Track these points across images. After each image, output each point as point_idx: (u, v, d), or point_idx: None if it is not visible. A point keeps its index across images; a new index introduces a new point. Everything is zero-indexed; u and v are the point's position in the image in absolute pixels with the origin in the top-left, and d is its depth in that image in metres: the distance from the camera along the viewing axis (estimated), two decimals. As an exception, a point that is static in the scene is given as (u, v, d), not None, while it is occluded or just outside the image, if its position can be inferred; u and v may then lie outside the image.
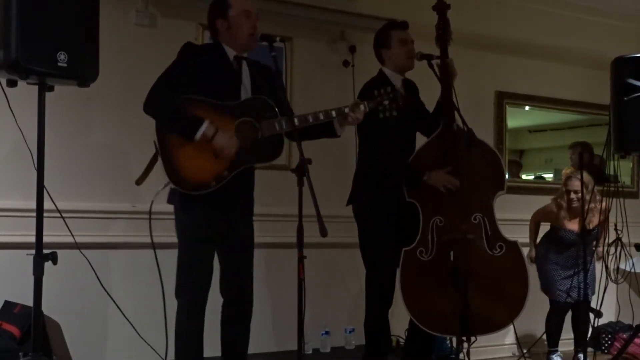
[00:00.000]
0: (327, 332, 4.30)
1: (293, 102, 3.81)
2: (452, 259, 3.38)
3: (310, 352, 4.21)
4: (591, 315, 4.41)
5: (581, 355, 4.38)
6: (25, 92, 2.77)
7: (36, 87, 2.70)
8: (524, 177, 6.45)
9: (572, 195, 4.49)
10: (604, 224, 4.49)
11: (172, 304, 2.94)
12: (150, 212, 2.84)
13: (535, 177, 6.72)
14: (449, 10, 3.71)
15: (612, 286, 4.59)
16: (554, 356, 4.68)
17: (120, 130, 3.89)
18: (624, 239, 4.24)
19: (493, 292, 3.47)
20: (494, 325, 3.54)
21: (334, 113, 2.97)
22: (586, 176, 4.43)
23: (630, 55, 3.54)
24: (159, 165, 2.81)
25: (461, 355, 3.45)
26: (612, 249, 4.43)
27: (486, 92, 5.17)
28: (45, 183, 2.72)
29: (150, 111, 2.83)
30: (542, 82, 5.38)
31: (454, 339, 3.57)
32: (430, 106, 3.75)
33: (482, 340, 3.66)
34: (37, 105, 2.70)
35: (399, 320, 3.81)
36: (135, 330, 3.34)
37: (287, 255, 3.40)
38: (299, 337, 2.70)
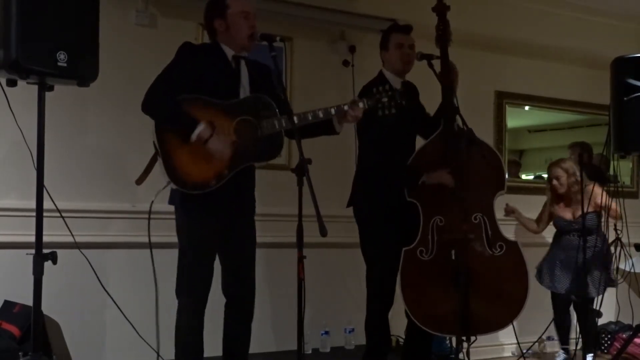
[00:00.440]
0: (326, 332, 4.30)
1: (293, 102, 3.82)
2: (452, 258, 3.37)
3: (310, 352, 4.21)
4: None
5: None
6: (25, 91, 2.77)
7: (36, 87, 2.69)
8: (523, 177, 6.45)
9: (554, 182, 4.62)
10: (601, 214, 4.49)
11: (167, 304, 2.94)
12: (149, 212, 2.84)
13: (535, 177, 6.72)
14: (449, 11, 3.72)
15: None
16: (558, 352, 4.70)
17: (120, 130, 3.89)
18: (624, 239, 4.23)
19: (493, 292, 3.47)
20: (494, 325, 3.55)
21: (333, 111, 2.97)
22: (569, 164, 4.63)
23: (630, 55, 3.53)
24: (158, 165, 2.82)
25: (461, 355, 3.45)
26: (612, 249, 4.44)
27: (486, 92, 5.17)
28: (45, 183, 2.72)
29: (148, 110, 2.83)
30: (542, 82, 5.38)
31: (454, 339, 3.57)
32: (430, 107, 3.75)
33: (482, 340, 3.67)
34: (37, 105, 2.70)
35: (399, 320, 3.81)
36: (135, 329, 3.34)
37: (287, 255, 3.40)
38: (298, 337, 2.70)
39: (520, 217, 4.74)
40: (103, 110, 3.88)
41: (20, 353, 2.79)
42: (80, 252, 3.04)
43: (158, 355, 3.29)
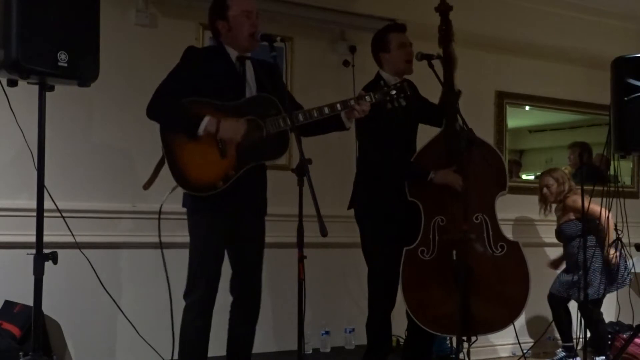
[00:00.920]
0: (327, 332, 4.30)
1: (293, 102, 3.81)
2: (454, 258, 3.37)
3: (310, 352, 4.21)
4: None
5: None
6: (26, 92, 2.77)
7: (37, 87, 2.70)
8: (524, 177, 6.45)
9: (545, 190, 4.69)
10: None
11: (169, 304, 2.94)
12: (159, 215, 2.84)
13: (536, 177, 6.71)
14: (452, 11, 3.71)
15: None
16: (557, 351, 4.71)
17: (120, 129, 3.88)
18: (624, 239, 4.23)
19: (494, 292, 3.47)
20: (495, 325, 3.55)
21: (339, 106, 2.98)
22: (560, 173, 4.71)
23: (630, 55, 3.53)
24: (166, 167, 2.82)
25: (461, 355, 3.45)
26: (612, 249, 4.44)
27: (486, 92, 5.17)
28: (46, 183, 2.72)
29: (154, 115, 2.85)
30: (542, 82, 5.38)
31: (454, 339, 3.57)
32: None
33: (482, 340, 3.67)
34: (37, 105, 2.70)
35: (399, 320, 3.81)
36: (136, 330, 3.34)
37: (287, 255, 3.40)
38: (299, 337, 2.70)
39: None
40: (103, 110, 3.87)
41: (20, 353, 2.79)
42: (81, 252, 3.04)
43: (160, 356, 3.28)
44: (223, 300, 3.04)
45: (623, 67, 3.51)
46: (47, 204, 2.74)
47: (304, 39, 4.47)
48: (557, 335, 4.81)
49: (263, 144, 2.89)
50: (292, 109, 2.90)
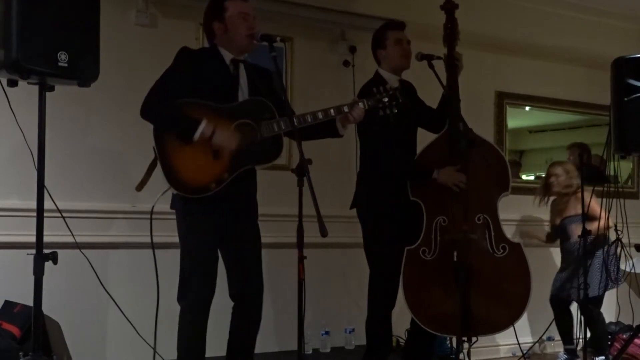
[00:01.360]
0: (327, 332, 4.30)
1: (293, 102, 3.81)
2: (455, 259, 3.37)
3: (310, 352, 4.21)
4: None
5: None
6: (26, 92, 2.77)
7: (37, 87, 2.69)
8: (524, 177, 6.45)
9: (552, 179, 4.64)
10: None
11: (168, 304, 2.94)
12: (151, 214, 2.84)
13: (536, 178, 6.72)
14: (457, 9, 3.70)
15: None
16: (560, 353, 4.71)
17: (120, 130, 3.88)
18: (624, 240, 4.23)
19: (495, 293, 3.47)
20: (496, 326, 3.55)
21: (332, 112, 2.97)
22: (571, 166, 4.67)
23: (631, 56, 3.53)
24: (158, 168, 2.81)
25: (461, 356, 3.45)
26: (612, 250, 4.44)
27: (486, 92, 5.17)
28: (46, 183, 2.72)
29: (147, 116, 2.84)
30: (542, 82, 5.38)
31: (454, 339, 3.57)
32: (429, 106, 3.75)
33: (482, 340, 3.66)
34: (37, 105, 2.70)
35: (399, 320, 3.81)
36: (136, 330, 3.33)
37: (287, 255, 3.40)
38: (299, 337, 2.70)
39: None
40: (103, 110, 3.88)
41: (20, 353, 2.78)
42: (81, 252, 3.04)
43: (160, 356, 3.28)
44: (225, 301, 3.04)
45: (623, 68, 3.51)
46: (47, 204, 2.73)
47: (304, 39, 4.47)
48: (558, 337, 4.81)
49: (257, 147, 2.88)
50: (289, 113, 2.89)
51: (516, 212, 5.04)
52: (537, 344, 4.80)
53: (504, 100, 5.25)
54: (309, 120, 2.92)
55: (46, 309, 2.85)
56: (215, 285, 2.93)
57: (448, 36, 3.68)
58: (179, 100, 2.81)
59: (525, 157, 7.09)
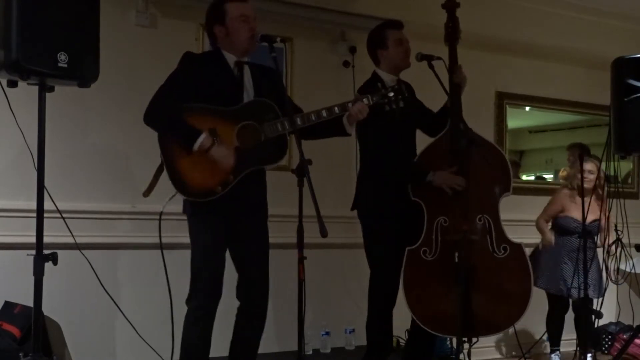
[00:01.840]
0: (327, 333, 4.30)
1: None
2: (456, 259, 3.37)
3: (311, 352, 4.21)
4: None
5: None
6: (26, 92, 2.77)
7: (36, 88, 2.69)
8: (524, 177, 6.45)
9: (587, 175, 4.42)
10: (606, 224, 4.46)
11: (169, 305, 2.94)
12: (160, 218, 2.83)
13: (536, 178, 6.72)
14: (459, 8, 3.70)
15: (612, 287, 4.60)
16: (553, 355, 4.69)
17: (120, 130, 3.88)
18: (624, 240, 4.23)
19: (496, 294, 3.47)
20: (497, 326, 3.55)
21: (337, 109, 2.97)
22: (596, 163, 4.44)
23: (631, 56, 3.53)
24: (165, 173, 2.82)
25: (461, 356, 3.45)
26: (612, 250, 4.43)
27: (486, 92, 5.17)
28: (46, 183, 2.71)
29: (151, 121, 2.85)
30: (542, 83, 5.38)
31: (455, 340, 3.57)
32: (429, 106, 3.75)
33: (482, 340, 3.66)
34: (37, 106, 2.70)
35: (399, 320, 3.81)
36: (136, 330, 3.33)
37: (287, 255, 3.40)
38: (299, 337, 2.71)
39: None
40: (103, 111, 3.87)
41: (20, 354, 2.79)
42: (81, 252, 3.04)
43: (160, 356, 3.28)
44: (230, 301, 3.04)
45: (623, 68, 3.51)
46: (47, 204, 2.73)
47: (303, 39, 4.47)
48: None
49: (262, 148, 2.89)
50: (292, 112, 2.89)
51: (515, 213, 5.02)
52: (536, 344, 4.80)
53: (504, 100, 5.25)
54: (313, 119, 2.92)
55: (46, 309, 2.85)
56: (220, 290, 2.93)
57: (449, 35, 3.67)
58: (183, 105, 2.82)
59: (525, 158, 7.09)
